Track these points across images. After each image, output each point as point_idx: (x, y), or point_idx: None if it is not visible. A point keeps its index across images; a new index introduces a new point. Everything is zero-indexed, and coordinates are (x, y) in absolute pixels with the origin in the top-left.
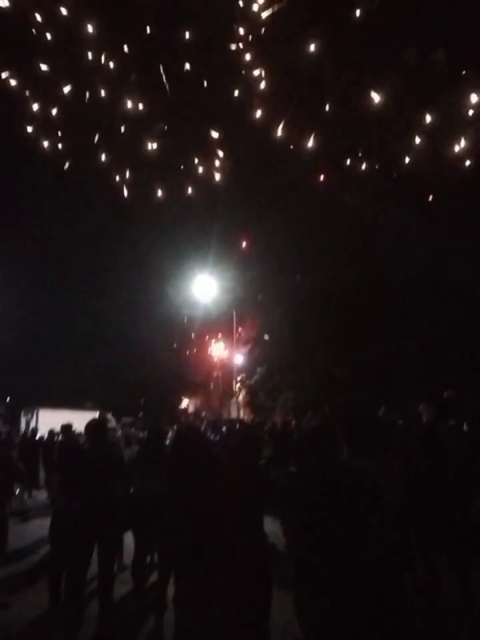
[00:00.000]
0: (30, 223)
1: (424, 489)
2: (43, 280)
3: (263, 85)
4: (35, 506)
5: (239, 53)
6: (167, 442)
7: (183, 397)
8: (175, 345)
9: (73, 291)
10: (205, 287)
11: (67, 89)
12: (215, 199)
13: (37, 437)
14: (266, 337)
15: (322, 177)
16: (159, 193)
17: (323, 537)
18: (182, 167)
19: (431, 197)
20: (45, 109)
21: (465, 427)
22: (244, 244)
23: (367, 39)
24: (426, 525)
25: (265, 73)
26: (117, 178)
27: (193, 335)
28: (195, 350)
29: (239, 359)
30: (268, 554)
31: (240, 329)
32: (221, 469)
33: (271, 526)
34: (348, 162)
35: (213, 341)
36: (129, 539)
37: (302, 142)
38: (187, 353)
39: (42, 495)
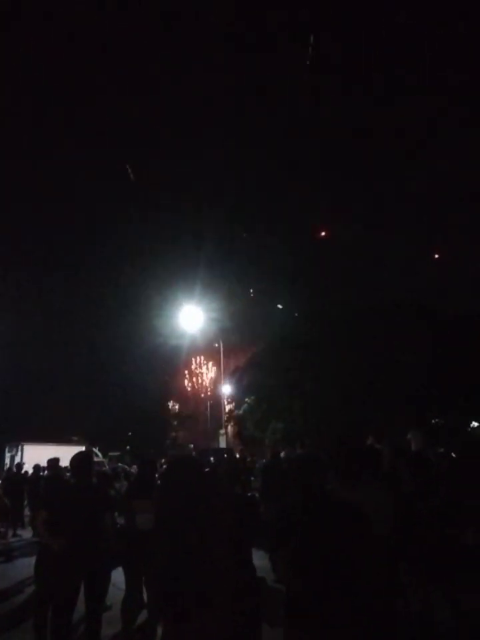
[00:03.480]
0: (18, 261)
1: (414, 517)
2: (28, 316)
3: None
4: (19, 545)
5: None
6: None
7: (170, 429)
8: (163, 377)
9: (58, 326)
10: (191, 317)
11: None
12: (202, 230)
13: (22, 473)
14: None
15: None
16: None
17: (313, 570)
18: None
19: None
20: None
21: (453, 454)
22: (251, 292)
23: None
24: (417, 554)
25: None
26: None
27: (179, 365)
28: (184, 381)
29: (226, 389)
30: (257, 588)
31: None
32: (217, 497)
33: (260, 560)
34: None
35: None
36: (114, 576)
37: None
38: (173, 383)
39: (27, 534)
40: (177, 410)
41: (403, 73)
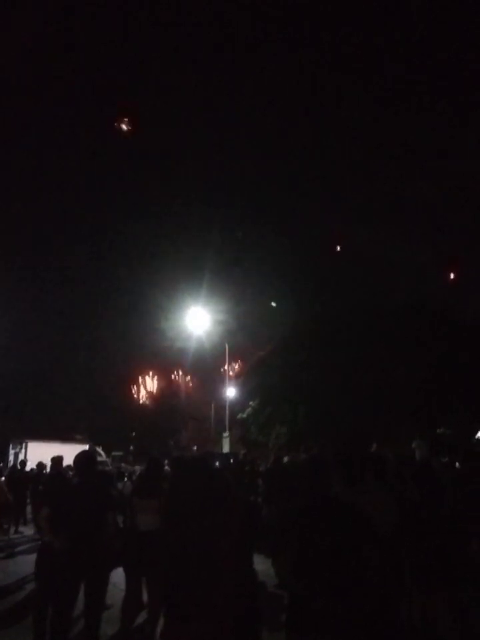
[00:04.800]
0: (19, 260)
1: (418, 525)
2: (32, 313)
3: None
4: (21, 542)
5: None
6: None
7: (174, 431)
8: (172, 377)
9: (63, 323)
10: (198, 319)
11: None
12: (209, 231)
13: (26, 470)
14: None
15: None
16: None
17: (316, 574)
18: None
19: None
20: None
21: (457, 465)
22: (273, 303)
23: None
24: (421, 561)
25: None
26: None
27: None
28: (188, 382)
29: (231, 392)
30: (258, 593)
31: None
32: (226, 501)
33: (261, 565)
34: None
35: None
36: (114, 576)
37: None
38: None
39: (29, 531)
40: (181, 411)
41: (425, 79)
